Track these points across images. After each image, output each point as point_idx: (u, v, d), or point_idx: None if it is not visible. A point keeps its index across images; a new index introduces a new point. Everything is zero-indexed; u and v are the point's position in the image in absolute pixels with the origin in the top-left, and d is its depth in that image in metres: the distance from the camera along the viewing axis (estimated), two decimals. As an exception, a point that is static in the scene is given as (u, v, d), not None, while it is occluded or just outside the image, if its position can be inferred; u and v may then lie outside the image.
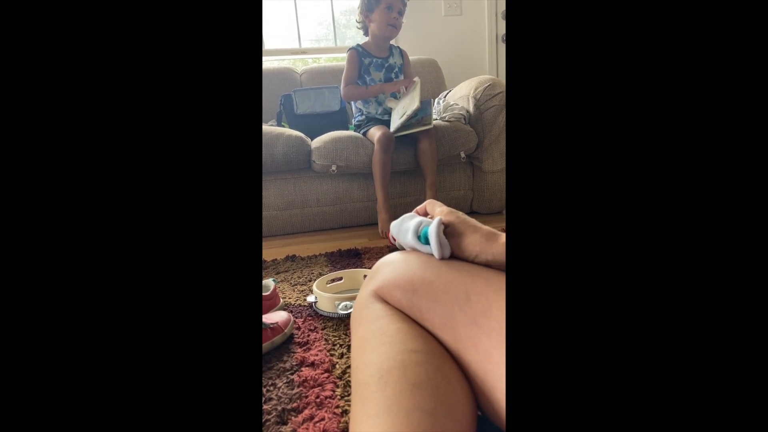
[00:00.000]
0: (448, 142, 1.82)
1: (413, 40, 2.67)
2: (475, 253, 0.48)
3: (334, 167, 1.74)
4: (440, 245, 0.49)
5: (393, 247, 1.47)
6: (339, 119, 2.04)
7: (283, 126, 2.05)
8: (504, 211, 2.00)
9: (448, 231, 0.51)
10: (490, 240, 0.47)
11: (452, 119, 1.91)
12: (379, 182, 1.70)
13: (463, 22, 2.74)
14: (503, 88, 1.88)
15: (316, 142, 1.78)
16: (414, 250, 0.54)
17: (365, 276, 1.15)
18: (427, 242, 0.52)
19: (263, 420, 0.63)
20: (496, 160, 1.91)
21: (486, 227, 0.50)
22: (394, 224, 0.58)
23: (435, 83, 2.47)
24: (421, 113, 1.76)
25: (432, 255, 0.51)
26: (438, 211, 0.53)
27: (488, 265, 0.47)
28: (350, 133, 1.83)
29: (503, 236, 0.47)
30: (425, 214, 0.58)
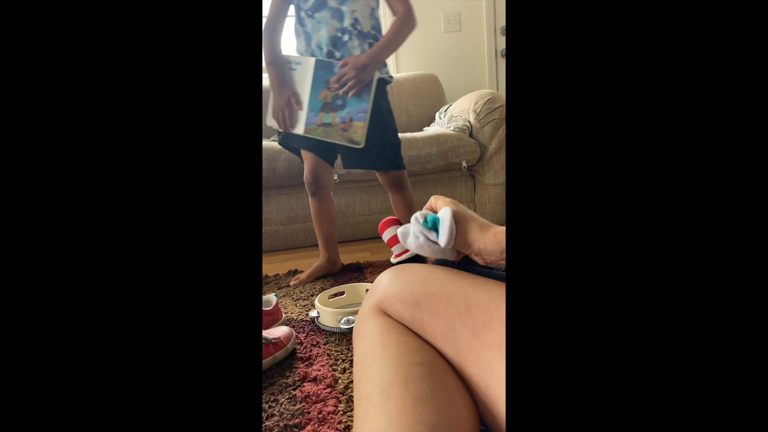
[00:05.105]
0: (451, 150, 1.85)
1: (413, 55, 2.70)
2: (470, 242, 0.49)
3: (335, 176, 1.75)
4: (450, 233, 0.50)
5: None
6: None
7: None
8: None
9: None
10: (483, 229, 0.49)
11: (457, 129, 1.93)
12: (317, 233, 1.40)
13: (463, 38, 2.77)
14: (503, 102, 1.90)
15: (318, 156, 1.80)
16: (416, 256, 0.54)
17: (367, 290, 1.15)
18: (433, 227, 0.52)
19: (265, 436, 0.63)
20: (497, 173, 1.92)
21: (481, 219, 0.51)
22: (400, 229, 0.58)
23: (435, 98, 2.49)
24: (352, 104, 1.10)
25: (430, 259, 0.51)
26: (440, 204, 0.54)
27: (480, 254, 0.48)
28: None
29: (496, 227, 0.49)
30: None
